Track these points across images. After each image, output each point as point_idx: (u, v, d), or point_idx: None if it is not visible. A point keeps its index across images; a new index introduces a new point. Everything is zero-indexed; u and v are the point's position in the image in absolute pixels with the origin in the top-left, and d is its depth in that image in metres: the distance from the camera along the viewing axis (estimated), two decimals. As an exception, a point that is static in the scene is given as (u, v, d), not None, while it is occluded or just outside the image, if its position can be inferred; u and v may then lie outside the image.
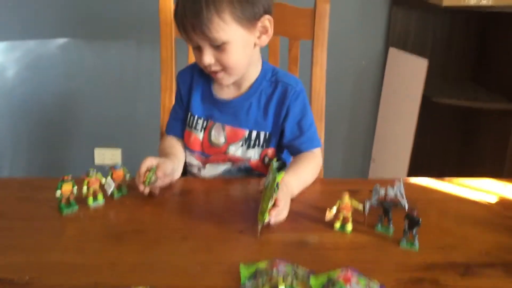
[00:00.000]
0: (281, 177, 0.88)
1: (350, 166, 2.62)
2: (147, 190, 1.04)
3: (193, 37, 1.08)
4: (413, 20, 2.38)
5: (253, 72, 1.20)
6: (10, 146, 2.55)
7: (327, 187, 1.15)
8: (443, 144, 2.58)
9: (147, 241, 0.89)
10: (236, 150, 1.21)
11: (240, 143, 1.21)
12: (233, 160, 1.22)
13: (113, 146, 2.54)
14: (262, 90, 1.20)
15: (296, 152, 1.19)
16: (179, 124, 1.29)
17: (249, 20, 1.09)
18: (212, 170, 1.25)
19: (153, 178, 1.03)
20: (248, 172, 1.23)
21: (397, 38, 2.39)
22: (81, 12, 2.36)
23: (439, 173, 1.20)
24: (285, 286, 0.71)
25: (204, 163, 1.25)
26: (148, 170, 1.04)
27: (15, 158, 2.57)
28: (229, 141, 1.21)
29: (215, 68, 1.12)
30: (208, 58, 1.10)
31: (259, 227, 0.91)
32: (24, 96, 2.46)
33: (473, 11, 2.16)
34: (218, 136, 1.22)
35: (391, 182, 0.95)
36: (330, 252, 0.87)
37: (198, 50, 1.11)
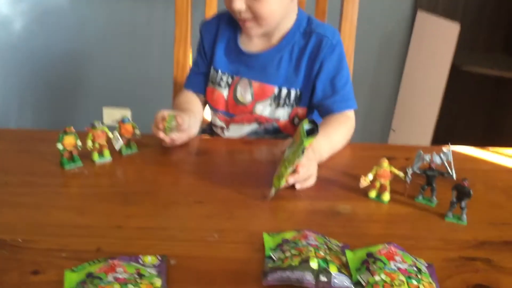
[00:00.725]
0: (310, 143, 0.77)
1: (368, 135, 2.50)
2: (168, 139, 0.94)
3: None
4: (444, -18, 2.23)
5: (287, 22, 1.08)
6: (17, 101, 2.46)
7: (358, 152, 1.04)
8: (468, 116, 2.45)
9: (158, 204, 0.79)
10: (263, 109, 1.10)
11: (269, 101, 1.09)
12: (260, 120, 1.11)
13: (122, 106, 2.44)
14: (295, 43, 1.08)
15: (327, 113, 1.07)
16: (200, 79, 1.17)
17: None
18: (236, 131, 1.14)
19: (173, 123, 0.93)
20: (276, 133, 1.12)
21: (426, 1, 2.24)
22: (91, -38, 2.23)
23: (464, 144, 1.09)
24: (318, 260, 0.61)
25: (228, 124, 1.15)
26: (164, 119, 0.94)
27: (21, 115, 2.48)
28: (256, 99, 1.10)
29: (245, 15, 1.00)
30: (239, 3, 0.98)
31: (272, 191, 0.81)
32: (31, 51, 2.36)
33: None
34: (245, 93, 1.11)
35: (436, 149, 0.84)
36: (364, 224, 0.77)
37: None
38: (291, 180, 0.82)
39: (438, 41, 2.10)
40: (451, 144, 0.86)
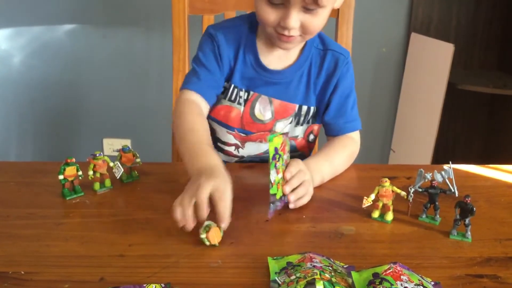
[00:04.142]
0: (278, 143, 0.77)
1: (368, 156, 2.50)
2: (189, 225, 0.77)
3: None
4: (436, 5, 2.26)
5: None
6: (16, 135, 2.47)
7: (360, 173, 1.04)
8: (467, 134, 2.46)
9: (160, 231, 0.79)
10: (284, 128, 1.07)
11: (290, 119, 1.06)
12: None
13: (122, 137, 2.45)
14: (312, 58, 1.05)
15: (335, 132, 1.07)
16: (213, 80, 1.04)
17: None
18: (252, 150, 1.09)
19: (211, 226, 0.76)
20: (292, 152, 1.08)
21: (419, 24, 2.28)
22: (88, -4, 2.27)
23: (464, 163, 1.09)
24: (324, 283, 0.60)
25: (244, 141, 1.09)
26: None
27: (21, 148, 2.48)
28: (277, 117, 1.06)
29: (294, 32, 0.92)
30: (295, 21, 0.89)
31: (271, 209, 0.80)
32: (30, 85, 2.38)
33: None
34: (264, 110, 1.06)
35: (437, 167, 0.84)
36: (369, 244, 0.76)
37: (276, 8, 0.90)
38: (286, 188, 0.81)
39: (433, 61, 2.13)
40: (452, 163, 0.86)
